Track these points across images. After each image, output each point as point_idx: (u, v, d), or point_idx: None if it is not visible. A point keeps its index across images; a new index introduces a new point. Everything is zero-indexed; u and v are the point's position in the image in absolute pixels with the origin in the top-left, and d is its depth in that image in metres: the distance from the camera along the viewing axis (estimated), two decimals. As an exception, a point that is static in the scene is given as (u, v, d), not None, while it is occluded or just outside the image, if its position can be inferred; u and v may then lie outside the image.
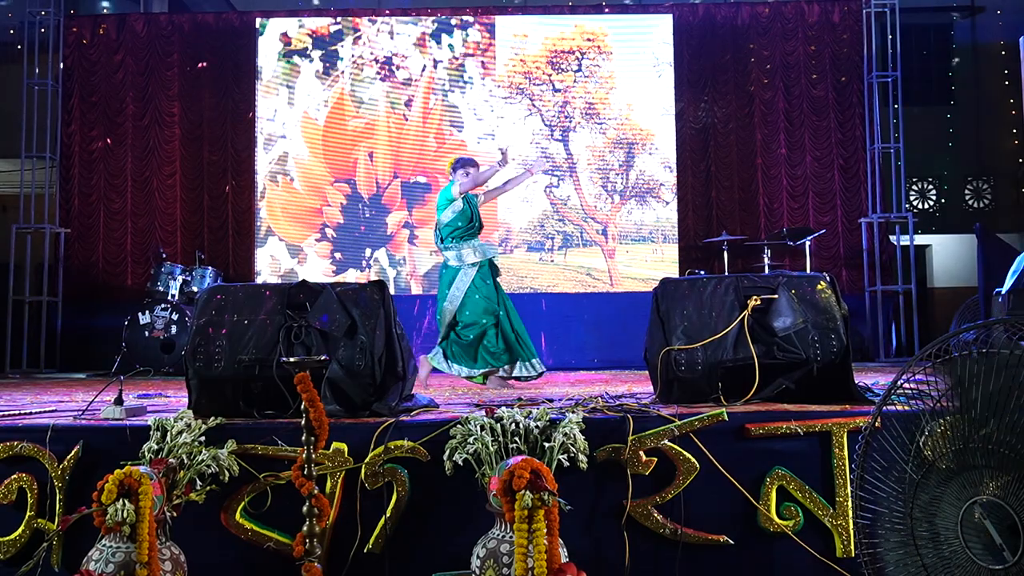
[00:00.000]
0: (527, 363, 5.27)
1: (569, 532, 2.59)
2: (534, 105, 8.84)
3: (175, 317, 7.39)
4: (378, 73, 8.91)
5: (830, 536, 2.76)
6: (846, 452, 2.78)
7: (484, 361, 5.26)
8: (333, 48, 8.95)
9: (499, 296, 5.38)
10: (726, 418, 2.82)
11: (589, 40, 8.91)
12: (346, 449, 2.77)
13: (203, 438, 2.71)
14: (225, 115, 8.97)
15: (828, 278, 3.38)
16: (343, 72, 8.92)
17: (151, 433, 2.73)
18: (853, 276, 8.68)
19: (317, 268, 8.69)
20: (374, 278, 6.40)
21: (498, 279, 5.46)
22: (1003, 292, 4.43)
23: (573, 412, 2.84)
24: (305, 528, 2.43)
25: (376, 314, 3.10)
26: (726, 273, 7.71)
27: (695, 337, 3.23)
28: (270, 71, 8.92)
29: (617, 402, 3.29)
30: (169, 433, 2.71)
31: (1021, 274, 4.43)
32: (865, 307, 8.52)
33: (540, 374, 5.33)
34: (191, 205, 8.92)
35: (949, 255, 11.64)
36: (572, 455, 2.64)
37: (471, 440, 2.64)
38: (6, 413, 3.24)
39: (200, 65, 8.98)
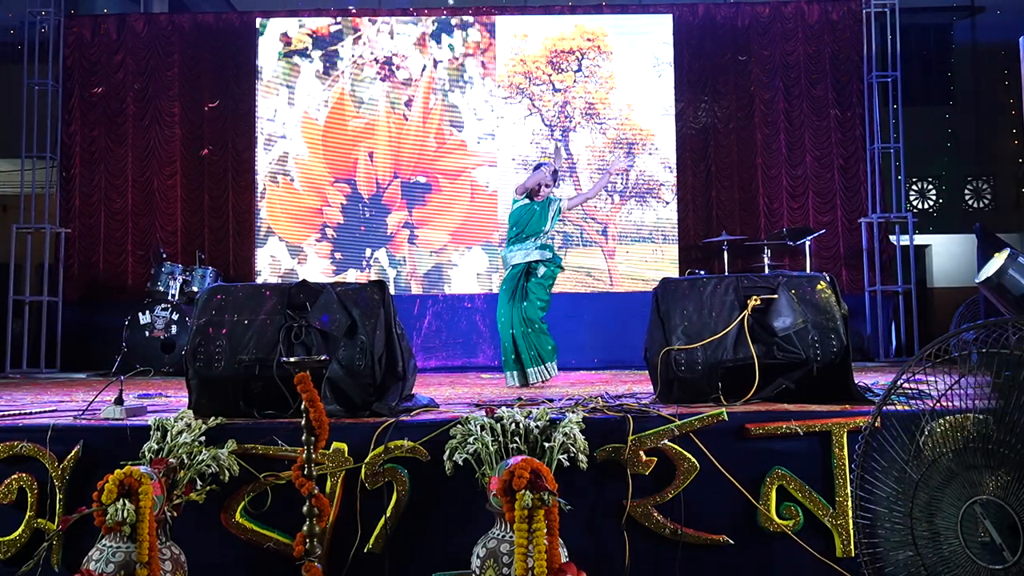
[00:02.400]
0: (534, 369, 5.41)
1: (569, 532, 2.60)
2: (534, 105, 8.84)
3: (175, 317, 7.39)
4: (378, 73, 8.91)
5: (830, 536, 2.76)
6: (846, 452, 2.78)
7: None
8: (333, 48, 8.95)
9: (511, 300, 5.47)
10: (726, 418, 2.82)
11: (589, 40, 8.91)
12: (346, 449, 2.77)
13: (203, 438, 2.71)
14: (225, 115, 8.97)
15: (828, 278, 3.39)
16: (343, 72, 8.92)
17: (151, 433, 2.73)
18: (853, 276, 8.68)
19: (317, 268, 8.69)
20: (374, 278, 6.40)
21: (532, 282, 5.51)
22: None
23: (573, 412, 2.84)
24: (305, 528, 2.43)
25: (376, 314, 3.11)
26: (726, 273, 7.71)
27: (695, 337, 3.23)
28: (270, 71, 8.92)
29: (617, 402, 3.29)
30: (169, 433, 2.71)
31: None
32: (865, 307, 8.51)
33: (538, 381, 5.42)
34: (191, 205, 8.91)
35: (949, 255, 11.64)
36: (572, 455, 2.64)
37: (471, 440, 2.64)
38: (6, 413, 3.24)
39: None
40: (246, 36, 9.00)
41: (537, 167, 5.68)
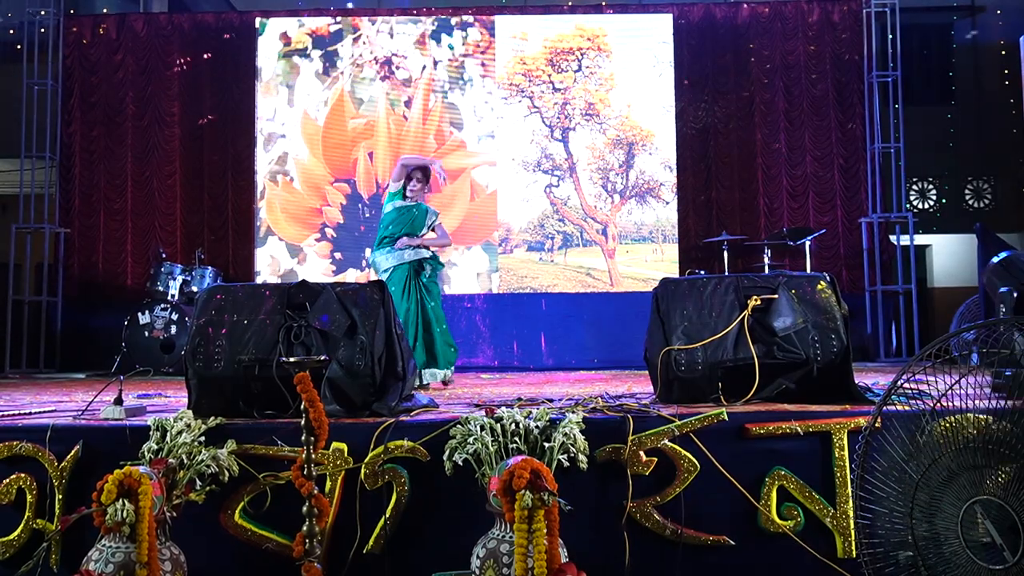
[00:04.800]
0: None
1: (569, 532, 2.59)
2: (534, 105, 8.84)
3: (175, 317, 7.38)
4: (378, 73, 8.91)
5: (831, 536, 2.76)
6: (846, 452, 2.78)
7: None
8: (333, 48, 8.95)
9: (404, 299, 5.29)
10: (726, 418, 2.82)
11: (589, 40, 8.91)
12: (346, 449, 2.76)
13: (203, 438, 2.71)
14: (225, 115, 8.97)
15: (828, 278, 3.38)
16: (343, 72, 8.92)
17: (151, 433, 2.73)
18: (853, 276, 8.67)
19: (317, 268, 8.69)
20: (374, 278, 6.38)
21: (425, 279, 5.39)
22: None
23: (573, 412, 2.84)
24: (305, 528, 2.43)
25: (376, 314, 3.10)
26: (726, 273, 7.71)
27: (695, 337, 3.23)
28: (270, 71, 8.92)
29: (617, 402, 3.28)
30: (169, 433, 2.70)
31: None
32: (865, 307, 8.51)
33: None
34: (191, 205, 8.91)
35: (949, 255, 11.64)
36: (572, 455, 2.64)
37: (471, 440, 2.64)
38: (6, 413, 3.24)
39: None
40: (246, 36, 9.00)
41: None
